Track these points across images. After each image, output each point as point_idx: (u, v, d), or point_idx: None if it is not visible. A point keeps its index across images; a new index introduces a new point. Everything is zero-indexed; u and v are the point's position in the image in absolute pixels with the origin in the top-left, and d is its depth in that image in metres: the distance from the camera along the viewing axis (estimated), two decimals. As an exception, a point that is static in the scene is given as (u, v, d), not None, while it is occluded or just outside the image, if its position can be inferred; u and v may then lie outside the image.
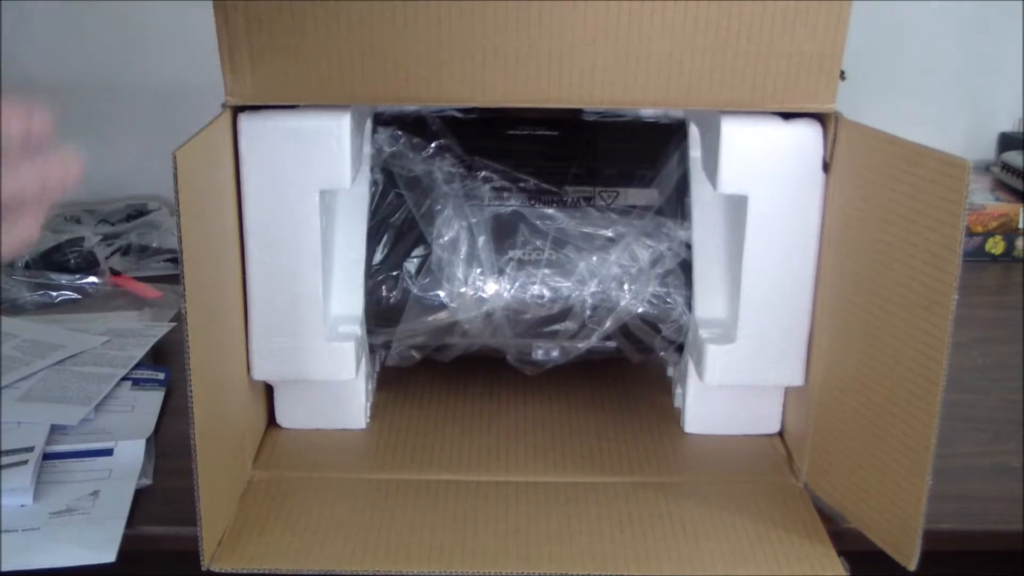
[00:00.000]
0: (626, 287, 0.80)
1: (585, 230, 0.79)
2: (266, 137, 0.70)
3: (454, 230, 0.78)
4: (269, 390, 0.80)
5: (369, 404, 0.83)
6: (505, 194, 0.79)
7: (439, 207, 0.78)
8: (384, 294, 0.79)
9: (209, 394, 0.64)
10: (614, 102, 0.67)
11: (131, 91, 1.18)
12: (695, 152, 0.80)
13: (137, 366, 0.87)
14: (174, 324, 0.96)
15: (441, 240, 0.78)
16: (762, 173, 0.71)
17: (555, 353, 0.82)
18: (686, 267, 0.80)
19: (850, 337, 0.69)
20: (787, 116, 0.70)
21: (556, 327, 0.80)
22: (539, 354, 0.83)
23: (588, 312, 0.80)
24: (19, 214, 0.50)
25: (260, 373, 0.76)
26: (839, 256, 0.70)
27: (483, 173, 0.79)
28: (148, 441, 0.77)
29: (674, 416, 0.83)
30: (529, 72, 0.65)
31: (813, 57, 0.68)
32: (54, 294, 1.03)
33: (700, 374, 0.77)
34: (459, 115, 0.83)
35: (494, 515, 0.70)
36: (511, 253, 0.78)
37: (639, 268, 0.79)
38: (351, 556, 0.66)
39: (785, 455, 0.78)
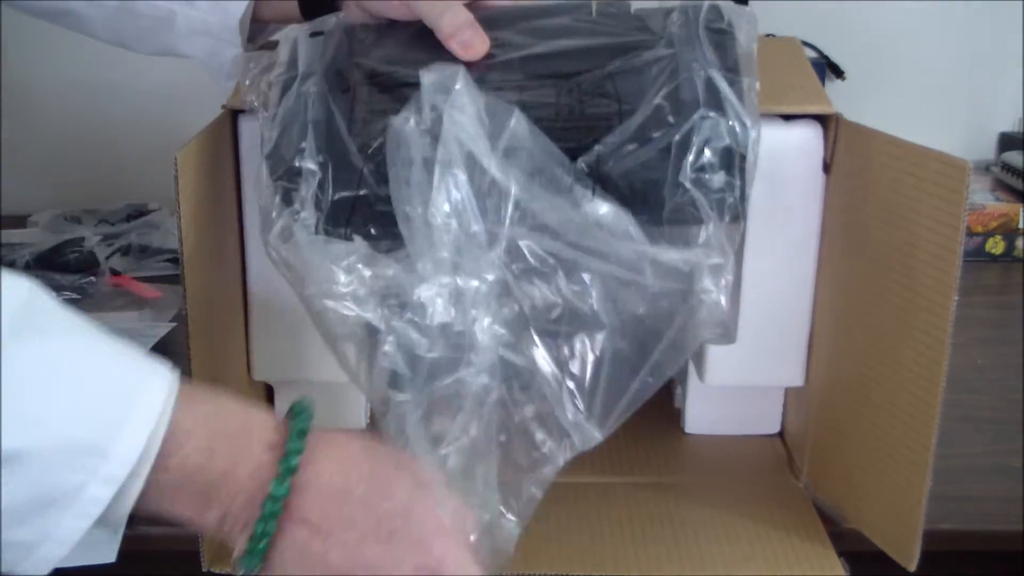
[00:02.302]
0: (626, 287, 0.80)
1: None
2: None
3: None
4: (269, 390, 0.80)
5: (369, 404, 0.83)
6: None
7: None
8: (384, 294, 0.79)
9: (209, 394, 0.64)
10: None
11: (131, 92, 1.18)
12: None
13: (137, 366, 0.87)
14: (174, 324, 0.96)
15: None
16: (762, 174, 0.70)
17: (555, 353, 0.82)
18: (686, 267, 0.80)
19: (850, 337, 0.69)
20: (788, 117, 0.70)
21: (556, 327, 0.80)
22: (539, 354, 0.82)
23: (588, 312, 0.80)
24: None
25: (260, 373, 0.76)
26: (839, 256, 0.70)
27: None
28: (148, 441, 0.77)
29: (674, 416, 0.83)
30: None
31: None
32: (54, 294, 1.02)
33: (700, 374, 0.77)
34: None
35: (494, 515, 0.70)
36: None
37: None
38: (351, 556, 0.66)
39: (785, 455, 0.78)
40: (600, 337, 0.58)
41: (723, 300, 0.59)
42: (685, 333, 0.60)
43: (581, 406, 0.58)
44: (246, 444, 0.48)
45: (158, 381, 0.46)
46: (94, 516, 0.45)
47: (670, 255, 0.58)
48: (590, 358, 0.58)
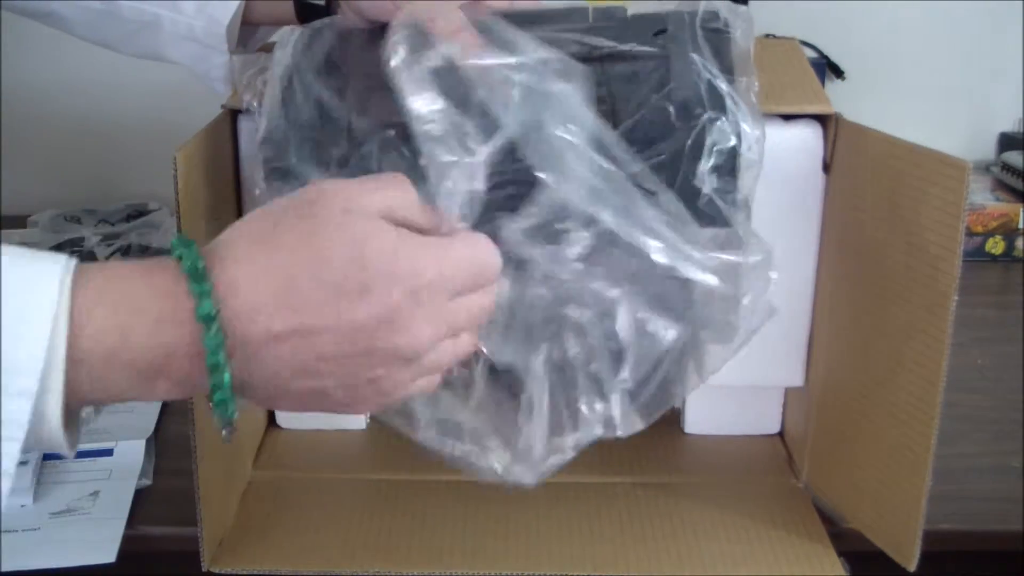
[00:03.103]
0: (626, 287, 0.80)
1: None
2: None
3: None
4: (269, 390, 0.80)
5: (369, 404, 0.83)
6: None
7: None
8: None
9: (209, 394, 0.64)
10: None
11: (131, 92, 1.18)
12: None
13: (137, 366, 0.87)
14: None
15: None
16: (762, 174, 0.70)
17: (556, 353, 0.82)
18: (686, 267, 0.80)
19: (850, 337, 0.69)
20: (788, 117, 0.70)
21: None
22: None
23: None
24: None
25: (260, 373, 0.76)
26: (839, 256, 0.70)
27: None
28: (148, 441, 0.77)
29: (674, 416, 0.83)
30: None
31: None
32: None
33: (700, 374, 0.77)
34: None
35: (494, 515, 0.70)
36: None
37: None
38: (351, 557, 0.66)
39: (785, 455, 0.78)
40: (653, 328, 0.58)
41: (768, 298, 0.58)
42: (734, 333, 0.60)
43: (628, 394, 0.58)
44: (153, 304, 0.44)
45: (45, 277, 0.42)
46: (21, 438, 0.41)
47: (713, 263, 0.57)
48: (641, 348, 0.58)
